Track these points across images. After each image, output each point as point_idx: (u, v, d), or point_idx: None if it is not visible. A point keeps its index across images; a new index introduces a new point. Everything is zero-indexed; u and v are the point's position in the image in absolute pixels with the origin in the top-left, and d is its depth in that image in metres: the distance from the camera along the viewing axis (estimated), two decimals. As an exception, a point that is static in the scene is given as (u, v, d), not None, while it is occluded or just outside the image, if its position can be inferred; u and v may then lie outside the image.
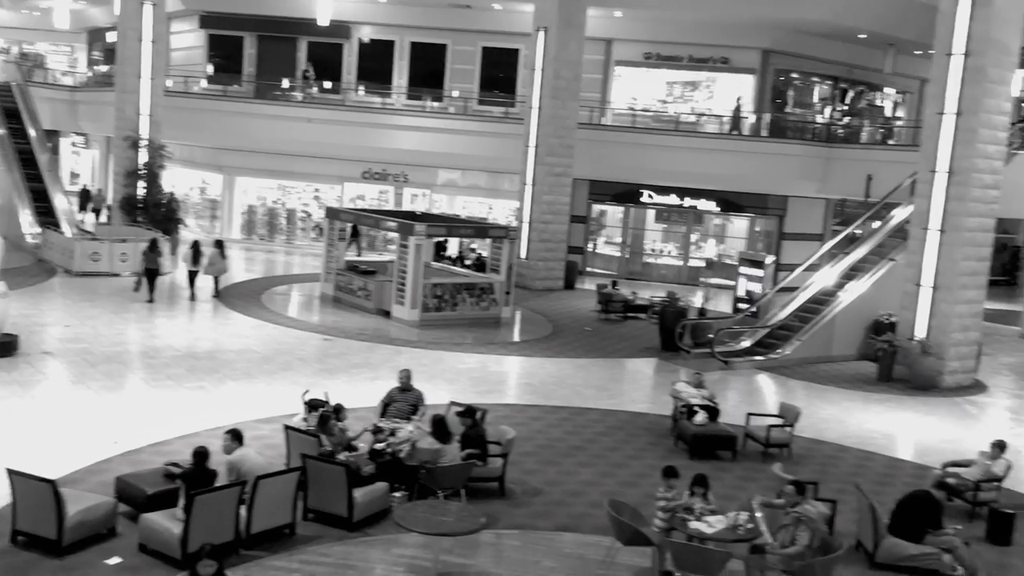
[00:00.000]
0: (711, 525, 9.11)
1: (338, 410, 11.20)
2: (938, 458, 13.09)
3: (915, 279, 18.89)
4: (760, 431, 13.48)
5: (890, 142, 32.15)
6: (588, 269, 31.58)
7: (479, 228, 24.97)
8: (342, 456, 10.36)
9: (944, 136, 18.39)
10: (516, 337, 21.25)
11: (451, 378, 16.53)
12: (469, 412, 11.35)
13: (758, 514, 9.15)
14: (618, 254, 32.30)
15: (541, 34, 26.94)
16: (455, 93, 32.41)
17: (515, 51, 31.96)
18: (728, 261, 29.77)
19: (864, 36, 30.16)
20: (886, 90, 36.13)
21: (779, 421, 13.68)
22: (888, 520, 10.09)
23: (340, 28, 32.49)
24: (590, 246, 32.33)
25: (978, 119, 18.03)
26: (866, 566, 9.95)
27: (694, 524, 9.14)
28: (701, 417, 13.45)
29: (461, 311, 21.43)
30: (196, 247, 22.18)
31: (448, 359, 18.01)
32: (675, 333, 20.15)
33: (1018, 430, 16.29)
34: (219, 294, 22.11)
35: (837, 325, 20.68)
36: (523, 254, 27.01)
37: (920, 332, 18.71)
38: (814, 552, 8.82)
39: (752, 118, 31.11)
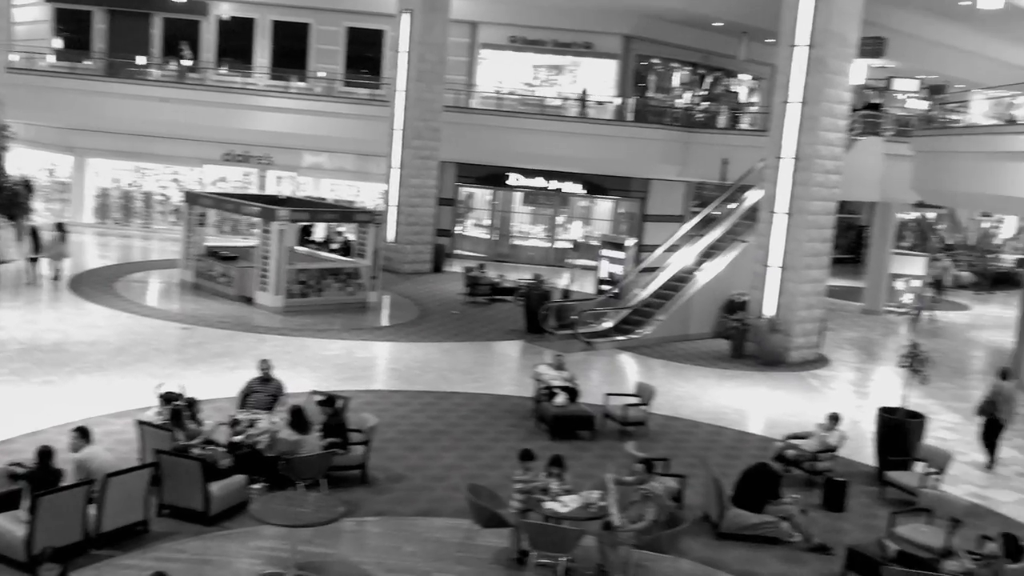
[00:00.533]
0: (565, 504, 9.44)
1: (191, 404, 10.99)
2: (783, 430, 13.84)
3: (764, 260, 19.84)
4: (617, 410, 13.94)
5: (743, 127, 33.46)
6: (457, 252, 31.75)
7: (344, 212, 24.73)
8: (198, 450, 10.19)
9: (789, 124, 19.32)
10: (383, 322, 21.21)
11: (316, 365, 16.40)
12: (329, 401, 11.34)
13: (610, 491, 9.50)
14: (486, 236, 32.58)
15: (405, 16, 26.77)
16: (321, 74, 31.86)
17: (380, 32, 31.62)
18: (594, 243, 30.46)
19: (719, 24, 31.23)
20: (741, 76, 37.54)
21: (636, 400, 14.19)
22: (732, 492, 10.67)
23: (197, 4, 31.41)
24: (458, 228, 32.49)
25: (820, 108, 19.02)
26: (712, 536, 10.49)
27: (549, 504, 9.45)
28: (561, 399, 13.83)
29: (327, 296, 21.24)
30: (34, 232, 21.31)
31: (313, 346, 17.84)
32: (540, 315, 20.55)
33: (858, 401, 17.40)
34: (58, 278, 21.26)
35: (694, 305, 21.50)
36: (391, 237, 26.94)
37: (769, 310, 19.68)
38: (661, 526, 9.26)
39: (615, 103, 31.83)
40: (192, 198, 23.28)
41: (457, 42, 30.51)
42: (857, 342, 22.93)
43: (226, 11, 32.16)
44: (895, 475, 12.05)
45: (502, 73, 32.71)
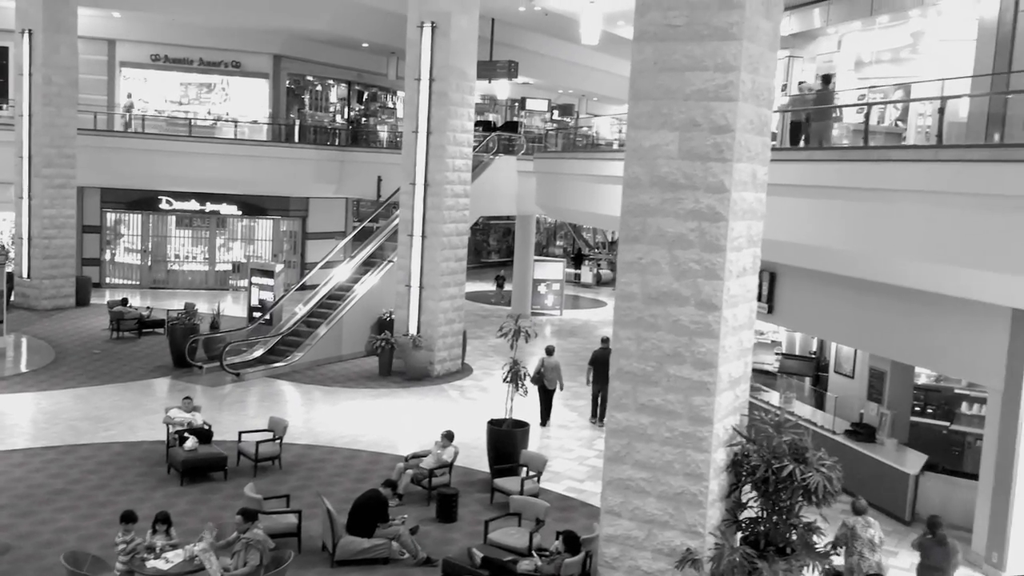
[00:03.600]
0: (169, 561, 9.63)
1: None
2: (415, 447, 14.83)
3: (405, 280, 20.93)
4: (250, 447, 14.20)
5: (399, 144, 34.68)
6: (108, 281, 30.25)
7: (-41, 253, 22.73)
8: None
9: (419, 152, 20.52)
10: (12, 369, 19.82)
11: (-79, 431, 15.14)
12: (-86, 481, 10.64)
13: (203, 543, 9.81)
14: (140, 263, 31.25)
15: (25, 37, 25.03)
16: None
17: (5, 49, 29.25)
18: (255, 264, 30.28)
19: (367, 45, 32.19)
20: (399, 93, 38.85)
21: (268, 435, 14.52)
22: (346, 520, 11.38)
23: None
24: (108, 256, 30.89)
25: (445, 137, 20.39)
26: (328, 565, 11.13)
27: (152, 563, 9.59)
28: (191, 443, 13.84)
29: (-57, 348, 19.53)
30: None
31: (-80, 408, 16.40)
32: (187, 348, 20.22)
33: (490, 410, 18.79)
34: None
35: (345, 325, 22.17)
36: (24, 273, 25.15)
37: (412, 328, 20.79)
38: (266, 568, 9.75)
39: (262, 123, 31.81)
40: None
41: (94, 60, 29.10)
42: (501, 348, 24.67)
43: None
44: (501, 481, 13.39)
45: (147, 92, 31.52)
